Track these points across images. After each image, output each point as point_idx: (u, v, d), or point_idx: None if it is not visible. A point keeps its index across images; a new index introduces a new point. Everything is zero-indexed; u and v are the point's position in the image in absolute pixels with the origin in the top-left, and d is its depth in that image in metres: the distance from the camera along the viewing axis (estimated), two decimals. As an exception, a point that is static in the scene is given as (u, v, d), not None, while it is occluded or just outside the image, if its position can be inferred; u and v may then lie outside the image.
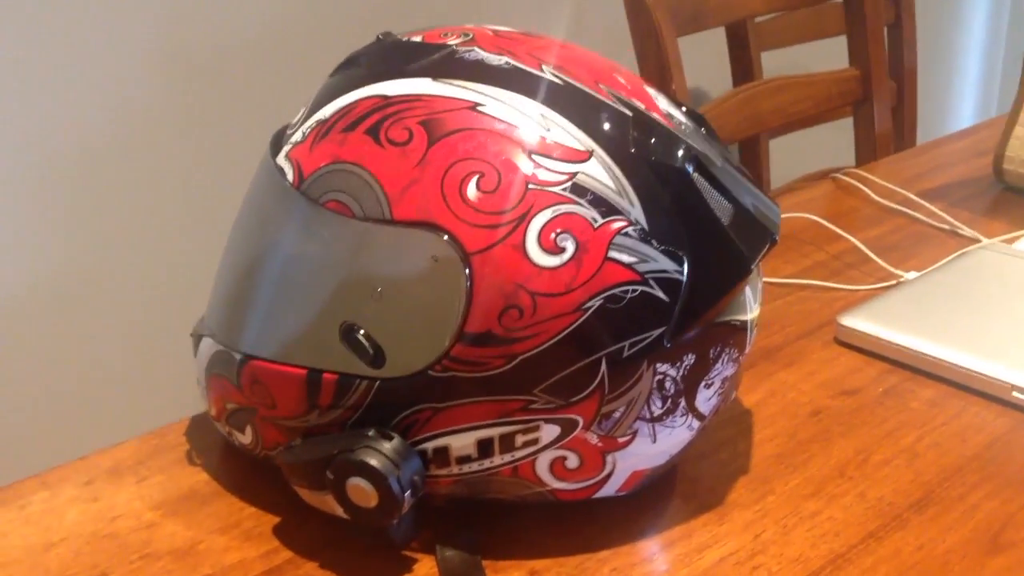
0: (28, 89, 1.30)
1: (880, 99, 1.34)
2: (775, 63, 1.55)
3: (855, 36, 1.33)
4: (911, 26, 1.72)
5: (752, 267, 0.54)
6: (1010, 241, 0.91)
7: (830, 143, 1.69)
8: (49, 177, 1.34)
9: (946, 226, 0.95)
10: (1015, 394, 0.68)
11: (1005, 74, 2.45)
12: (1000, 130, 1.07)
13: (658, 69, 1.13)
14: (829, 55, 1.50)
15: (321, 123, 0.55)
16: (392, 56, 0.56)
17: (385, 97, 0.53)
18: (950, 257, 0.87)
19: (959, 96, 2.47)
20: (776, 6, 1.35)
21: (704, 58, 1.29)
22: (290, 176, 0.55)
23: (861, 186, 1.05)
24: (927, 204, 0.99)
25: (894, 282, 0.85)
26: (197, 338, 0.60)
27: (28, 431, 1.36)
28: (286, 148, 0.56)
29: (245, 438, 0.57)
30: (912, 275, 0.85)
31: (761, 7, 1.31)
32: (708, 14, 1.21)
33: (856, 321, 0.76)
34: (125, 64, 1.35)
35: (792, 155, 1.66)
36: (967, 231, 0.94)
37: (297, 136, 0.56)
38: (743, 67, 1.51)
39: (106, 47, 1.33)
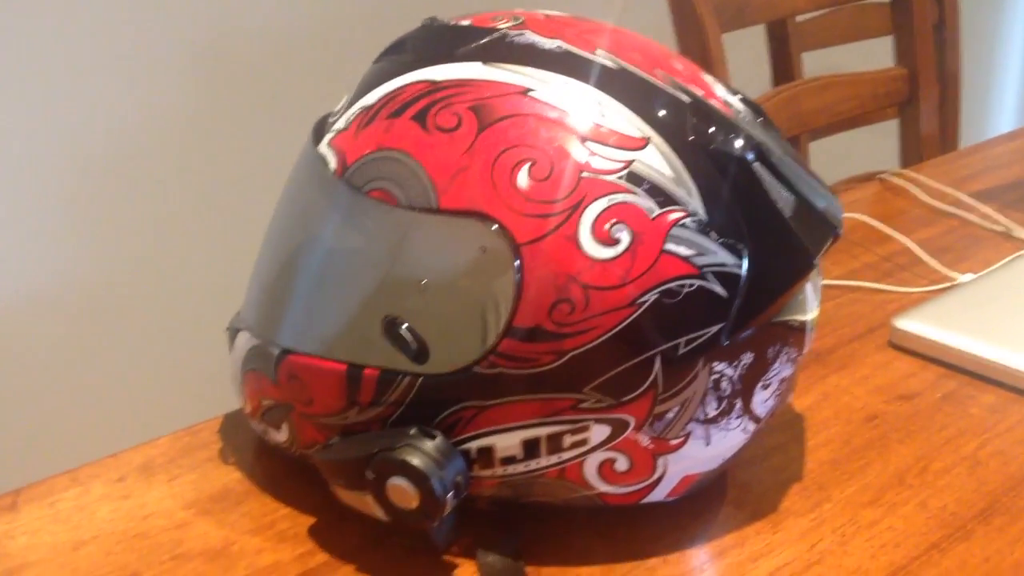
0: (58, 89, 1.29)
1: (927, 99, 1.31)
2: (815, 64, 1.52)
3: (902, 35, 1.30)
4: (954, 28, 1.68)
5: (815, 261, 0.52)
6: (1068, 244, 0.88)
7: (871, 147, 1.66)
8: (86, 174, 1.34)
9: (999, 228, 0.92)
10: (1082, 401, 0.65)
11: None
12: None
13: (701, 65, 1.11)
14: (869, 57, 1.47)
15: (366, 109, 0.53)
16: (440, 40, 0.54)
17: (433, 82, 0.51)
18: (1007, 259, 0.84)
19: (1000, 100, 2.43)
20: (820, 3, 1.32)
21: (743, 57, 1.26)
22: (333, 165, 0.53)
23: (910, 187, 1.02)
24: (979, 205, 0.96)
25: (949, 284, 0.82)
26: (233, 332, 0.58)
27: (59, 427, 1.35)
28: (328, 136, 0.54)
29: (281, 436, 0.55)
30: (967, 277, 0.82)
31: (805, 4, 1.28)
32: (752, 10, 1.19)
33: (912, 324, 0.73)
34: (155, 57, 1.34)
35: (833, 158, 1.62)
36: (1022, 233, 0.91)
37: (340, 123, 0.54)
38: (783, 67, 1.48)
39: (135, 40, 1.32)
